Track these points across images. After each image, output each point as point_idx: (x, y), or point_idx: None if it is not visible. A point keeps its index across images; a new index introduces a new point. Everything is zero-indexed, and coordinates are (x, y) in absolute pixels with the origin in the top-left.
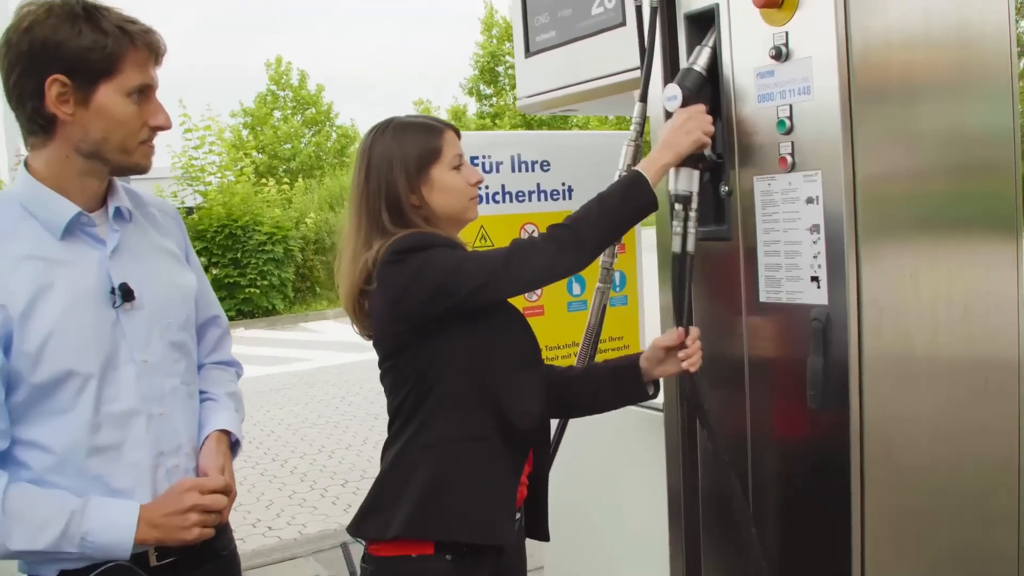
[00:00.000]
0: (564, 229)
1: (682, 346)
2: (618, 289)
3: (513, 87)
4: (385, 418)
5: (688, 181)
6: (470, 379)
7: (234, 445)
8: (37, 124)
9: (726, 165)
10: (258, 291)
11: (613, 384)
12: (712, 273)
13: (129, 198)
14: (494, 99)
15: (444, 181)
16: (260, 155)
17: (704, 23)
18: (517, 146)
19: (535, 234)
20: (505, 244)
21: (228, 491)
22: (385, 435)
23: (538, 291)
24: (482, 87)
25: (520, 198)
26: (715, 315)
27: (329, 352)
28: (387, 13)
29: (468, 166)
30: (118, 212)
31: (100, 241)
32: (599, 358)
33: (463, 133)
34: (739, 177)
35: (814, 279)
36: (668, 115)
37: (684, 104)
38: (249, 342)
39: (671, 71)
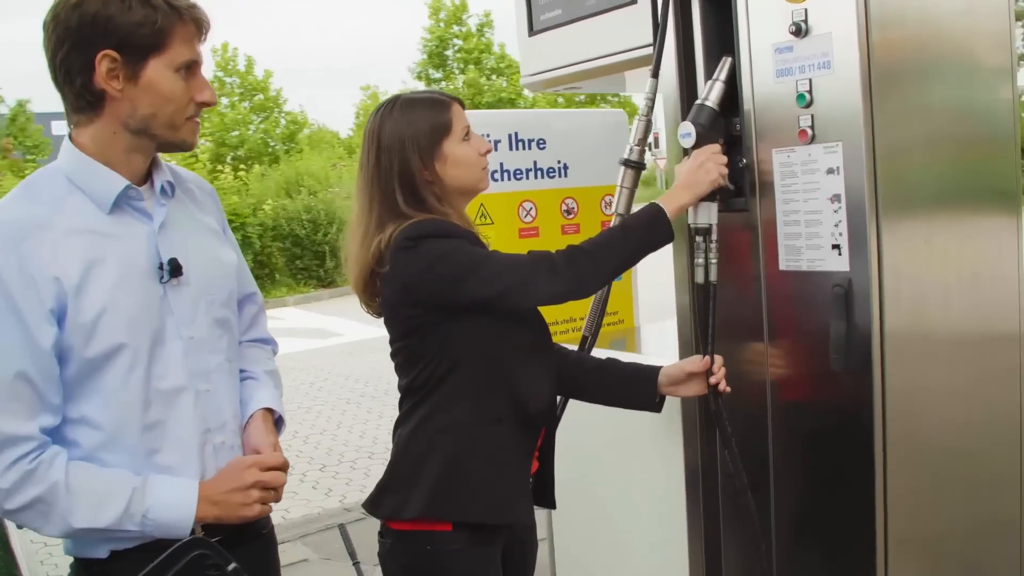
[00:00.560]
0: (585, 256)
1: (709, 373)
2: None
3: (462, 71)
4: (357, 402)
5: (707, 215)
6: (482, 364)
7: (278, 422)
8: (85, 100)
9: (743, 138)
10: None
11: (625, 392)
12: (730, 244)
13: (170, 174)
14: (443, 83)
15: (456, 154)
16: (207, 142)
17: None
18: (515, 125)
19: (533, 212)
20: (504, 223)
21: (286, 468)
22: (357, 418)
23: None
24: (431, 71)
25: (518, 176)
26: (734, 284)
27: (292, 339)
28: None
29: (476, 137)
30: (163, 187)
31: (147, 216)
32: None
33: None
34: (757, 150)
35: (835, 247)
36: (684, 151)
37: (698, 141)
38: None
39: (684, 47)
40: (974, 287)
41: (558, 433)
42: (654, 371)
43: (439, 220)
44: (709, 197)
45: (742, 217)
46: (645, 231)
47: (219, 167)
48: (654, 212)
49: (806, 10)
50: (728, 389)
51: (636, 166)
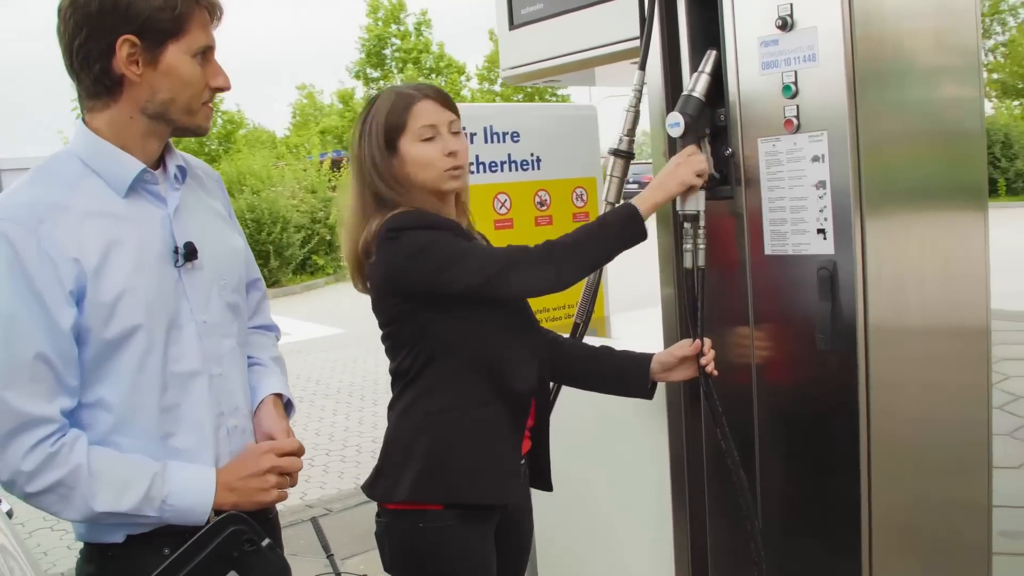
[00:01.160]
0: (563, 250)
1: (699, 355)
2: None
3: (400, 69)
4: (310, 400)
5: (695, 202)
6: (464, 349)
7: (287, 407)
8: (103, 85)
9: (728, 128)
10: None
11: (618, 380)
12: (716, 230)
13: (181, 159)
14: (382, 82)
15: (410, 153)
16: None
17: None
18: (490, 118)
19: (508, 204)
20: (480, 214)
21: (301, 453)
22: (311, 416)
23: None
24: (369, 70)
25: (492, 168)
26: (719, 269)
27: None
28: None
29: (446, 136)
30: (175, 172)
31: (162, 200)
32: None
33: None
34: (743, 139)
35: (820, 231)
36: (671, 140)
37: (686, 130)
38: None
39: (669, 41)
40: (946, 274)
41: None
42: (646, 359)
43: (422, 212)
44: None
45: (728, 204)
46: (620, 230)
47: None
48: (629, 212)
49: (791, 5)
50: (716, 372)
51: (625, 156)
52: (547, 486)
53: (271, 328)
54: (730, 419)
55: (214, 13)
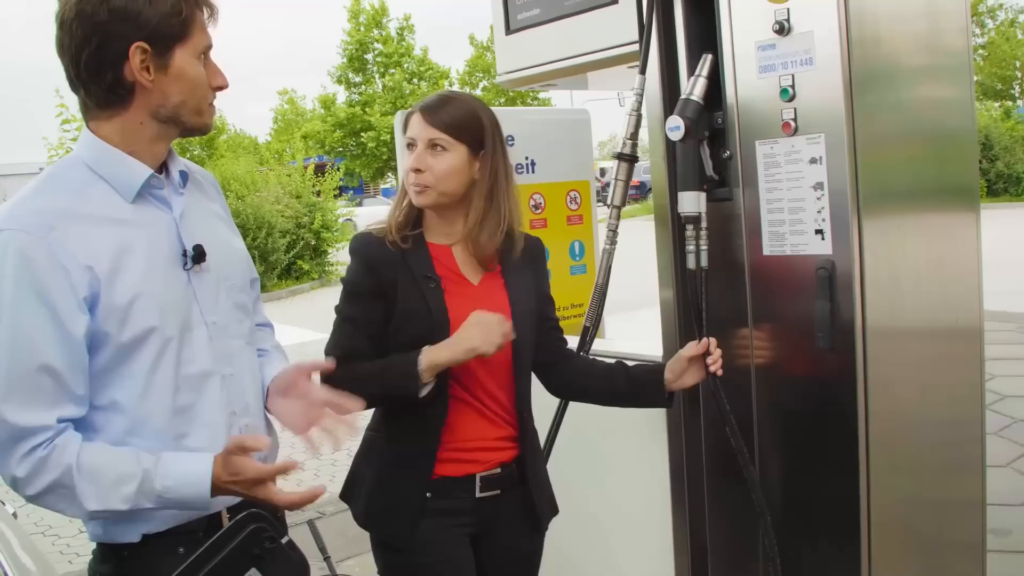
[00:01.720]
0: (347, 380)
1: (706, 354)
2: (577, 259)
3: (382, 74)
4: None
5: (694, 203)
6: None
7: None
8: (116, 94)
9: (727, 131)
10: None
11: (634, 396)
12: (715, 232)
13: (183, 164)
14: (363, 87)
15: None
16: None
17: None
18: None
19: None
20: None
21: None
22: None
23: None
24: (351, 75)
25: None
26: (720, 272)
27: None
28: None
29: (418, 151)
30: (180, 176)
31: (167, 204)
32: (564, 324)
33: None
34: (740, 142)
35: (818, 232)
36: (670, 143)
37: (686, 133)
38: None
39: (666, 45)
40: (940, 274)
41: (542, 429)
42: (659, 370)
43: (362, 239)
44: (696, 187)
45: (726, 206)
46: (396, 380)
47: None
48: (410, 368)
49: (788, 10)
50: (721, 372)
51: (629, 159)
52: (534, 513)
53: (267, 324)
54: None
55: (212, 13)
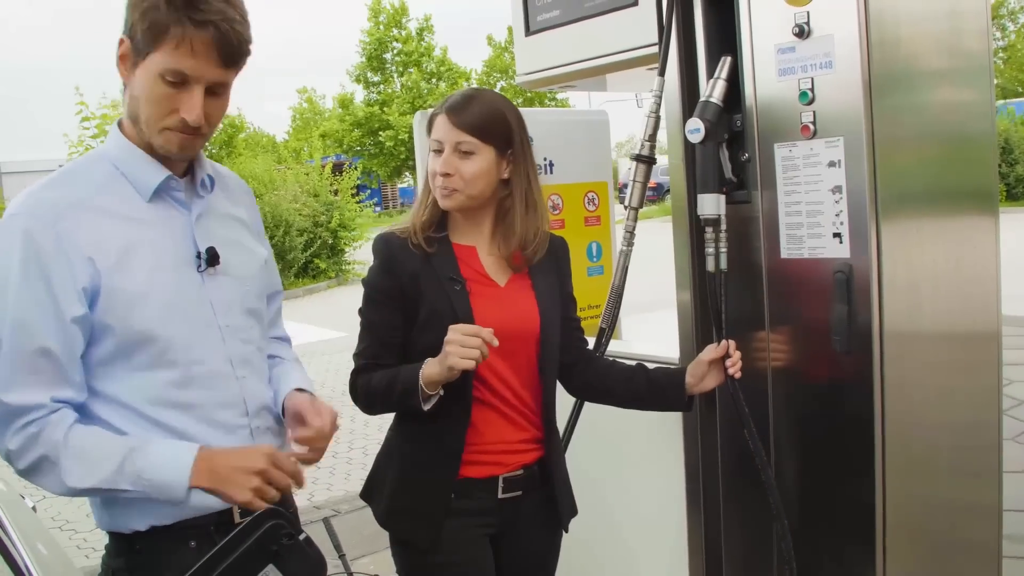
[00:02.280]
0: (363, 394)
1: (725, 356)
2: (595, 259)
3: (401, 74)
4: (329, 397)
5: (714, 206)
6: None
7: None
8: (122, 83)
9: (745, 133)
10: None
11: (655, 399)
12: (733, 234)
13: (211, 169)
14: (382, 86)
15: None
16: None
17: (719, 2)
18: None
19: None
20: None
21: (297, 478)
22: None
23: None
24: (369, 74)
25: None
26: (737, 274)
27: None
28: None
29: (445, 155)
30: (203, 180)
31: (186, 206)
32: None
33: None
34: (759, 145)
35: (836, 235)
36: (689, 145)
37: (706, 136)
38: None
39: (685, 47)
40: (958, 277)
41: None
42: (680, 374)
43: (383, 240)
44: (716, 189)
45: (744, 208)
46: (400, 396)
47: None
48: (411, 384)
49: (808, 13)
50: (739, 374)
51: (647, 161)
52: (564, 516)
53: (285, 338)
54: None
55: (209, 45)
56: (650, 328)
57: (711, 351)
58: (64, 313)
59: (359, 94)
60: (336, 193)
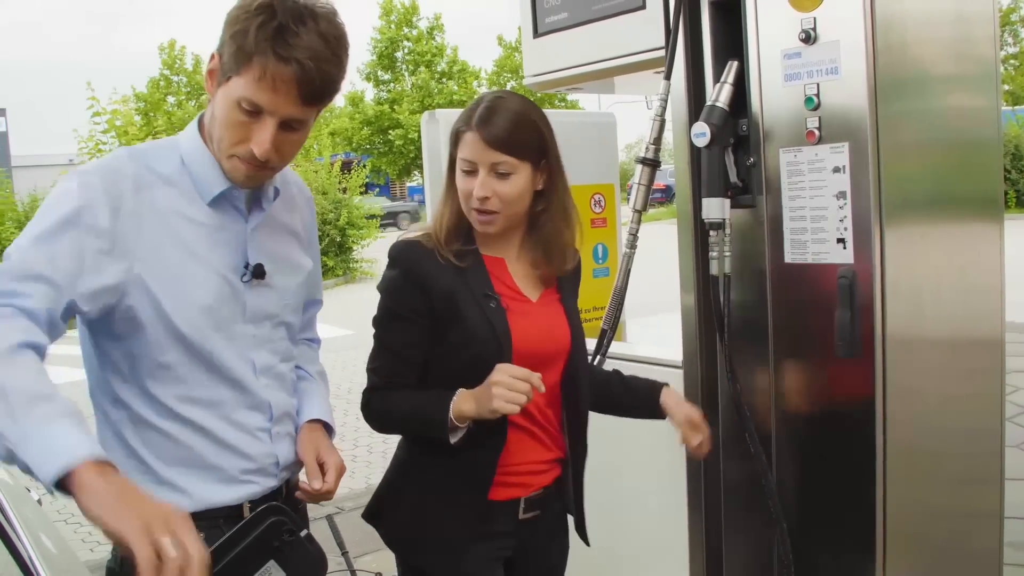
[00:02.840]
0: (377, 415)
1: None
2: (600, 261)
3: (412, 72)
4: (335, 395)
5: (719, 209)
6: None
7: (328, 431)
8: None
9: (751, 138)
10: None
11: (628, 406)
12: (737, 239)
13: (279, 180)
14: (392, 84)
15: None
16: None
17: (726, 7)
18: None
19: None
20: None
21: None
22: (334, 415)
23: None
24: (380, 73)
25: None
26: (741, 278)
27: None
28: None
29: (481, 176)
30: (268, 192)
31: (243, 215)
32: (586, 327)
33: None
34: (764, 150)
35: (840, 240)
36: (695, 149)
37: (712, 140)
38: None
39: (693, 51)
40: (962, 284)
41: None
42: (658, 388)
43: (402, 247)
44: (720, 192)
45: (749, 213)
46: (426, 426)
47: None
48: (441, 416)
49: (815, 18)
50: (704, 452)
51: (652, 164)
52: (583, 533)
53: (315, 340)
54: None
55: (288, 81)
56: (654, 331)
57: (687, 414)
58: (87, 275)
59: (369, 92)
60: (345, 191)
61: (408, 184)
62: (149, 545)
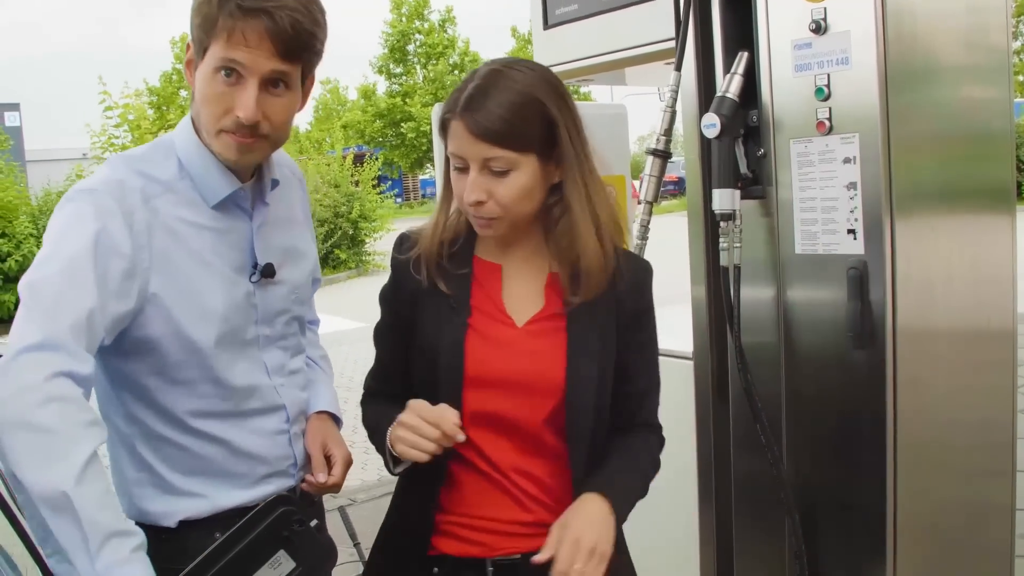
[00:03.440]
0: (364, 425)
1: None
2: None
3: (423, 64)
4: (347, 387)
5: (729, 201)
6: None
7: (337, 419)
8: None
9: (761, 129)
10: None
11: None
12: (748, 229)
13: (277, 170)
14: (404, 77)
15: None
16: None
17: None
18: None
19: None
20: None
21: None
22: (346, 407)
23: None
24: (391, 66)
25: None
26: (751, 269)
27: None
28: None
29: (472, 175)
30: (269, 183)
31: (249, 214)
32: None
33: None
34: (774, 141)
35: (850, 232)
36: (705, 140)
37: (722, 131)
38: None
39: (703, 42)
40: (973, 275)
41: None
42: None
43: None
44: (731, 184)
45: (759, 204)
46: (380, 450)
47: None
48: (382, 442)
49: (825, 9)
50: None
51: (663, 155)
52: None
53: (315, 321)
54: None
55: (261, 33)
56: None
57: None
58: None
59: (381, 85)
60: (357, 184)
61: (421, 177)
62: None
